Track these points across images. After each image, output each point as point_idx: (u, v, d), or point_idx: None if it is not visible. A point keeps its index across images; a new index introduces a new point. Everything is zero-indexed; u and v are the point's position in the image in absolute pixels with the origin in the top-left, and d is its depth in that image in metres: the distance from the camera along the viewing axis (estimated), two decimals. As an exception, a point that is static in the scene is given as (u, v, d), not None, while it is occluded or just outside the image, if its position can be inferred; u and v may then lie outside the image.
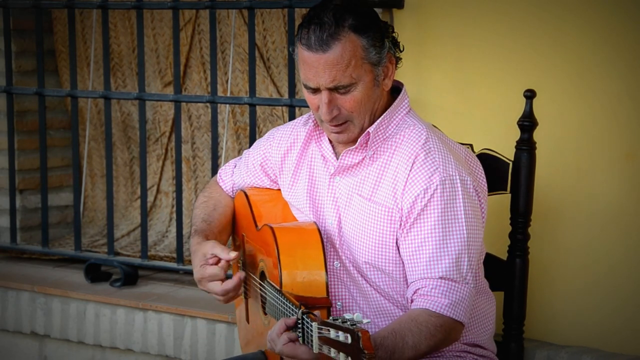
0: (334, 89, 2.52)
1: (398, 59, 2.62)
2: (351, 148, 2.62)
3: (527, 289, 2.95)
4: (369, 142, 2.60)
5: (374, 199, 2.59)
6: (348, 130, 2.59)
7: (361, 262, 2.63)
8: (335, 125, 2.58)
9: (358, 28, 2.50)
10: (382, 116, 2.60)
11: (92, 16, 4.55)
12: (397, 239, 2.57)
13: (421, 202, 2.51)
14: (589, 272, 3.17)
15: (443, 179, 2.52)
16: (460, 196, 2.52)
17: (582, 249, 3.17)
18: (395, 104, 2.63)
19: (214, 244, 2.68)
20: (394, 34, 2.61)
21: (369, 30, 2.52)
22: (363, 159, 2.63)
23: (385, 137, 2.61)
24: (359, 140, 2.60)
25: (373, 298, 2.65)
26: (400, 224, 2.55)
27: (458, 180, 2.53)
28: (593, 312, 3.17)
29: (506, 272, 2.94)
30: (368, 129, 2.59)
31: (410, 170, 2.54)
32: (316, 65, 2.50)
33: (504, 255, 2.96)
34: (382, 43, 2.55)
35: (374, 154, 2.62)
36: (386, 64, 2.57)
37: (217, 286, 2.66)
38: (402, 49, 2.62)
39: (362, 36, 2.51)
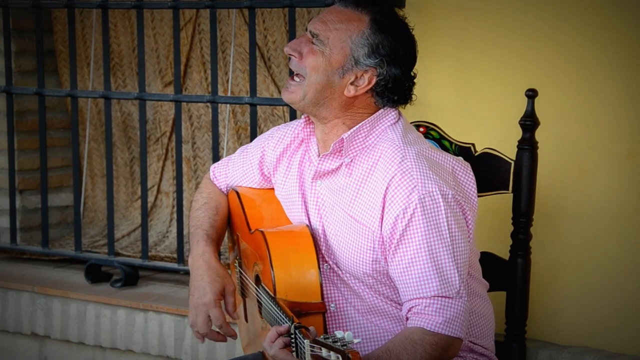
0: (311, 35, 2.57)
1: (388, 101, 2.60)
2: (326, 153, 2.62)
3: (529, 288, 2.95)
4: (343, 149, 2.58)
5: (352, 214, 2.58)
6: (296, 89, 2.60)
7: (343, 269, 2.64)
8: (291, 77, 2.61)
9: (374, 21, 2.55)
10: (360, 124, 2.58)
11: (92, 16, 4.54)
12: (376, 258, 2.55)
13: (402, 222, 2.49)
14: (591, 271, 3.16)
15: (422, 196, 2.48)
16: (443, 211, 2.49)
17: (584, 248, 3.17)
18: (378, 113, 2.60)
19: (231, 295, 2.68)
20: (408, 87, 2.60)
21: (379, 33, 2.54)
22: (340, 165, 2.61)
23: (364, 146, 2.59)
24: (332, 145, 2.59)
25: (365, 297, 2.64)
26: (383, 245, 2.53)
27: (439, 195, 2.49)
28: (595, 311, 3.17)
29: (508, 272, 2.94)
30: (342, 135, 2.58)
31: (387, 191, 2.51)
32: (326, 10, 2.60)
33: (505, 255, 2.95)
34: (377, 57, 2.54)
35: (351, 161, 2.60)
36: (362, 73, 2.55)
37: (205, 325, 2.66)
38: (399, 100, 2.61)
39: (368, 28, 2.54)
